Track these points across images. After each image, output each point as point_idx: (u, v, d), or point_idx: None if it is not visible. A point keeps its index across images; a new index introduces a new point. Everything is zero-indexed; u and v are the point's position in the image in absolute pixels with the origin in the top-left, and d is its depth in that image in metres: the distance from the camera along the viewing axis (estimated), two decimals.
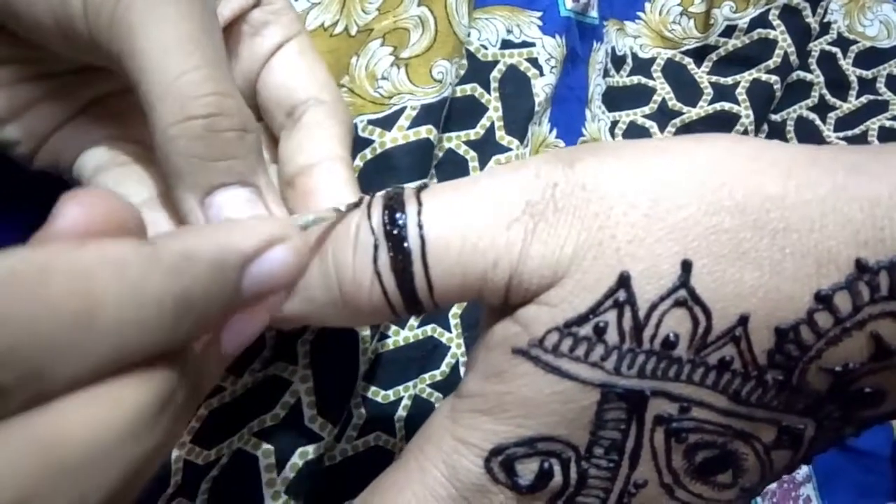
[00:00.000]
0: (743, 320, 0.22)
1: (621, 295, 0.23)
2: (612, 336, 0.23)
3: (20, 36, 0.26)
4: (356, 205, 0.25)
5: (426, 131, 0.36)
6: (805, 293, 0.22)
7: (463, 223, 0.24)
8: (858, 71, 0.55)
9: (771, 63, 0.51)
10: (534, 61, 0.42)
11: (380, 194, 0.25)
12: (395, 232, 0.24)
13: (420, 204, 0.24)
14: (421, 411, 0.36)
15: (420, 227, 0.24)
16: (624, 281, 0.23)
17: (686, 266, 0.22)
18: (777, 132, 0.54)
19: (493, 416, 0.24)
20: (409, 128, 0.36)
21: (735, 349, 0.23)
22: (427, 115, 0.37)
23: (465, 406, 0.25)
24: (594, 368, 0.23)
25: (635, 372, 0.23)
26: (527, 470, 0.24)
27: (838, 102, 0.55)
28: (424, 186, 0.25)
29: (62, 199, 0.18)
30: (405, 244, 0.24)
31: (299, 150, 0.30)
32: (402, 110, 0.37)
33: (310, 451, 0.32)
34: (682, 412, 0.23)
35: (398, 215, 0.24)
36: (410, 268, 0.24)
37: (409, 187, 0.25)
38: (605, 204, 0.23)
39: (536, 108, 0.41)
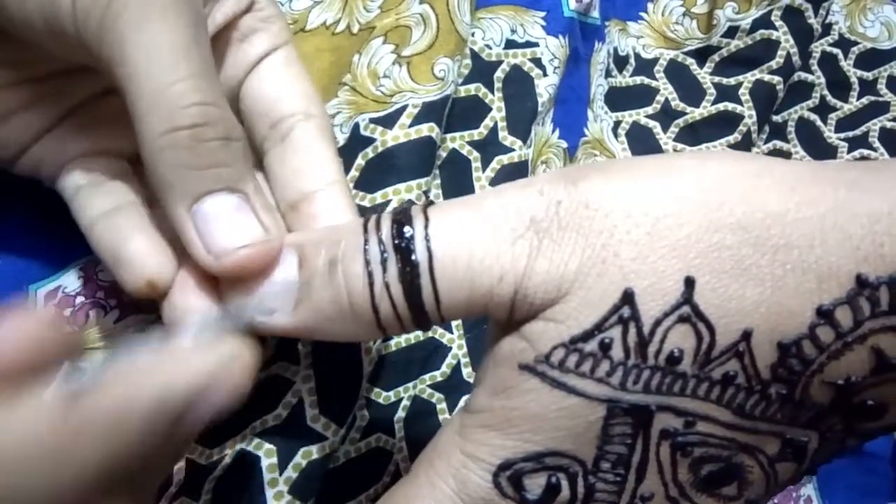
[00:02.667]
0: (746, 335, 0.23)
1: (626, 311, 0.23)
2: (617, 352, 0.23)
3: (10, 34, 0.26)
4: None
5: (428, 129, 0.36)
6: (807, 308, 0.22)
7: (469, 238, 0.24)
8: (859, 72, 0.55)
9: (773, 64, 0.51)
10: (537, 61, 0.42)
11: (388, 210, 0.26)
12: (403, 245, 0.24)
13: (427, 219, 0.25)
14: (421, 412, 0.36)
15: (427, 240, 0.24)
16: (628, 297, 0.23)
17: (689, 283, 0.23)
18: (778, 133, 0.54)
19: (501, 431, 0.24)
20: (411, 126, 0.36)
21: (739, 364, 0.23)
22: (429, 112, 0.36)
23: (473, 421, 0.25)
24: (600, 384, 0.23)
25: (640, 387, 0.23)
26: (535, 484, 0.24)
27: (839, 103, 0.55)
28: (431, 203, 0.26)
29: None
30: (413, 257, 0.24)
31: (298, 174, 0.30)
32: (403, 108, 0.36)
33: (313, 451, 0.32)
34: (688, 426, 0.24)
35: (406, 229, 0.24)
36: (418, 280, 0.24)
37: (417, 203, 0.25)
38: (609, 222, 0.23)
39: (539, 109, 0.41)
